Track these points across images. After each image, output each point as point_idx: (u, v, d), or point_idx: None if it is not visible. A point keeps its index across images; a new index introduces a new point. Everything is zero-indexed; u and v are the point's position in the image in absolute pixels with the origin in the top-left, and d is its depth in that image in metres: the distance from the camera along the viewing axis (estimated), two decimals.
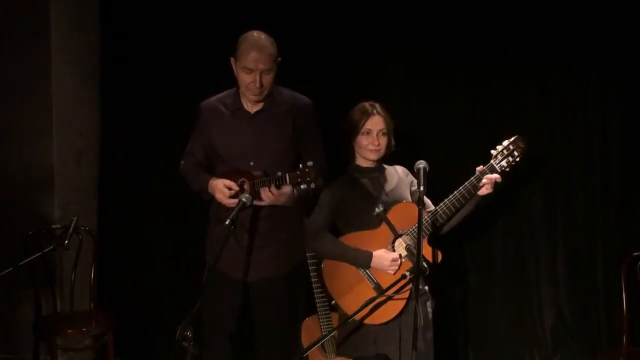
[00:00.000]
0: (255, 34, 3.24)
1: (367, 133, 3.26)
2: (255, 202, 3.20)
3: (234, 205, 3.15)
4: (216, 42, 4.15)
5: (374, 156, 3.29)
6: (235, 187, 3.25)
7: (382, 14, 4.15)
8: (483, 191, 3.17)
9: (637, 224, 3.98)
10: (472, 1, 4.06)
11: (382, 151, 3.30)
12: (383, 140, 3.28)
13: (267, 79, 3.22)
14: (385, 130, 3.28)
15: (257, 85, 3.20)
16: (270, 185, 3.16)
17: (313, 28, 4.17)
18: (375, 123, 3.27)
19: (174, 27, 4.35)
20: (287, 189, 3.18)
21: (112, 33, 4.47)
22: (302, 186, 3.07)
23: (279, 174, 3.13)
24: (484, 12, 4.04)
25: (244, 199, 3.11)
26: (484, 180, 3.15)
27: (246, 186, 3.24)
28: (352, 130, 3.28)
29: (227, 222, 3.02)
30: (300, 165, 3.06)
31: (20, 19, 4.26)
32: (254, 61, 3.17)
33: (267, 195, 3.18)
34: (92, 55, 4.49)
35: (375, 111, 3.28)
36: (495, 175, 3.16)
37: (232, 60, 3.26)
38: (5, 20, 4.27)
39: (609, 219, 4.06)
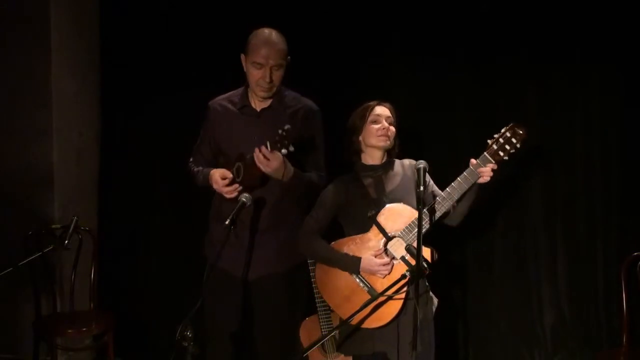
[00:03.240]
0: (267, 30, 3.26)
1: (376, 121, 3.23)
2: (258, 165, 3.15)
3: (231, 196, 3.16)
4: (216, 41, 4.17)
5: (384, 142, 3.22)
6: (229, 176, 3.25)
7: (383, 13, 4.15)
8: (482, 180, 3.13)
9: (637, 224, 3.98)
10: (473, 1, 4.07)
11: (392, 139, 3.25)
12: (391, 128, 3.26)
13: (277, 75, 3.24)
14: (392, 120, 3.27)
15: (267, 80, 3.21)
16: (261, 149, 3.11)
17: (314, 27, 4.17)
18: (383, 110, 3.26)
19: (174, 27, 4.35)
20: (277, 154, 3.10)
21: (112, 33, 4.47)
22: (282, 151, 3.05)
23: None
24: (485, 12, 4.04)
25: (243, 199, 3.10)
26: (476, 172, 3.11)
27: (242, 168, 3.23)
28: (359, 122, 3.25)
29: (227, 222, 3.02)
30: (279, 131, 3.05)
31: (20, 19, 4.26)
32: (264, 56, 3.19)
33: (260, 159, 3.12)
34: (92, 55, 4.49)
35: (381, 102, 3.28)
36: (490, 166, 3.09)
37: (242, 56, 3.27)
38: (5, 20, 4.27)
39: (609, 219, 4.06)
